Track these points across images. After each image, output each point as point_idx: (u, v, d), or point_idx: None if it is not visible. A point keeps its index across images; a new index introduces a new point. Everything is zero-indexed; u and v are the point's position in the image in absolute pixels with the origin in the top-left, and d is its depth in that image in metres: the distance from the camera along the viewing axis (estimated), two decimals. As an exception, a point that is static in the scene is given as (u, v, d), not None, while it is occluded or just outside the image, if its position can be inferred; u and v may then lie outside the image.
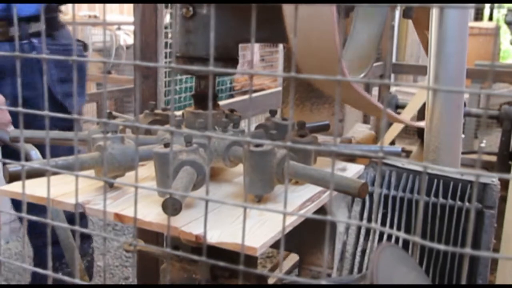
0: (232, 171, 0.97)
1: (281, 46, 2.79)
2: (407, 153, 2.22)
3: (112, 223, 2.60)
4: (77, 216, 0.53)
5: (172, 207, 0.67)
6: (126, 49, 4.68)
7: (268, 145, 0.80)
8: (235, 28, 0.96)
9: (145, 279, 1.63)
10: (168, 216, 0.69)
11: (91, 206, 0.80)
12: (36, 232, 1.58)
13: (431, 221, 1.12)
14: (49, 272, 0.54)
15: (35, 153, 1.19)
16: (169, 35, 1.78)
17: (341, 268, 1.12)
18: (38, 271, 0.53)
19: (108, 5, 5.38)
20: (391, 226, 1.13)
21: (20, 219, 1.68)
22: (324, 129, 1.14)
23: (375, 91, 3.83)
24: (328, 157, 1.04)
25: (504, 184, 1.26)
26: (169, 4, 1.66)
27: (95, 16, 4.68)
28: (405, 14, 1.17)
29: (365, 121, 3.36)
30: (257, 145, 0.80)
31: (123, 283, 2.35)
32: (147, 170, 0.96)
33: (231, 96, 3.56)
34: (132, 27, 2.65)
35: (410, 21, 1.50)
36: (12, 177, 0.78)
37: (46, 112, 0.50)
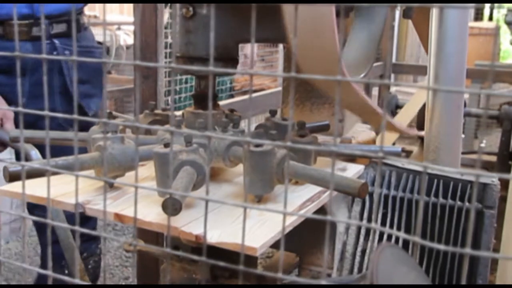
0: (232, 171, 0.97)
1: (281, 46, 2.79)
2: (407, 153, 2.22)
3: (112, 223, 2.60)
4: (77, 216, 0.53)
5: (172, 207, 0.67)
6: (126, 49, 4.68)
7: (268, 145, 0.80)
8: (235, 28, 0.95)
9: (145, 279, 1.63)
10: (168, 216, 0.69)
11: (91, 206, 0.80)
12: (45, 229, 1.58)
13: (431, 221, 1.12)
14: (49, 272, 0.54)
15: (35, 153, 1.19)
16: (169, 35, 1.78)
17: (341, 268, 1.12)
18: (48, 267, 0.53)
19: (108, 5, 5.38)
20: (391, 226, 1.13)
21: (35, 222, 1.69)
22: (324, 129, 1.14)
23: (375, 91, 3.83)
24: (328, 157, 1.04)
25: (504, 184, 1.26)
26: (169, 4, 1.66)
27: (95, 16, 4.68)
28: (405, 14, 1.17)
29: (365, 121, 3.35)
30: (257, 145, 0.80)
31: (123, 283, 2.35)
32: (147, 170, 0.96)
33: (231, 96, 3.56)
34: (132, 27, 2.65)
35: (410, 21, 1.49)
36: (12, 177, 0.78)
37: (46, 112, 0.50)
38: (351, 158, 1.10)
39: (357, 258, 1.12)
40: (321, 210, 0.90)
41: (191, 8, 0.93)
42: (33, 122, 1.16)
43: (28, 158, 1.19)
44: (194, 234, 0.72)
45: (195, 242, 0.73)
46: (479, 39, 5.05)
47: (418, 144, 2.18)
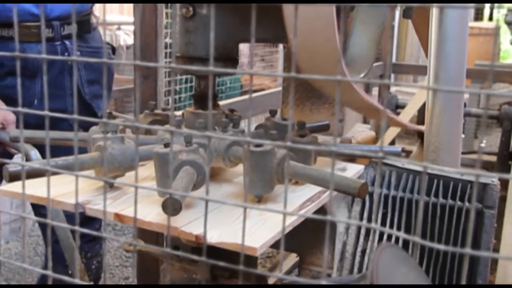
0: (232, 171, 0.97)
1: (281, 46, 2.79)
2: (407, 153, 2.22)
3: (112, 223, 2.60)
4: (77, 217, 0.53)
5: (172, 207, 0.67)
6: (126, 49, 4.68)
7: (268, 145, 0.80)
8: (235, 28, 0.95)
9: (145, 279, 1.63)
10: (168, 216, 0.69)
11: (91, 206, 0.80)
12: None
13: (431, 221, 1.12)
14: (49, 272, 0.54)
15: (34, 153, 1.19)
16: (168, 35, 1.78)
17: (341, 268, 1.12)
18: (48, 267, 0.53)
19: (108, 5, 5.38)
20: (391, 226, 1.13)
21: (39, 224, 1.69)
22: (324, 129, 1.14)
23: (375, 91, 3.83)
24: (328, 157, 1.04)
25: (504, 184, 1.26)
26: (168, 4, 1.66)
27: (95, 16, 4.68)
28: (405, 14, 1.17)
29: (365, 121, 3.36)
30: (257, 145, 0.80)
31: (123, 283, 2.35)
32: (147, 170, 0.96)
33: (242, 94, 3.54)
34: (132, 27, 2.65)
35: (410, 21, 1.49)
36: (12, 177, 0.78)
37: (46, 113, 0.50)
38: (351, 158, 1.10)
39: (357, 258, 1.12)
40: (321, 210, 0.90)
41: (191, 8, 0.93)
42: (42, 124, 1.16)
43: (27, 158, 1.19)
44: (194, 234, 0.72)
45: (195, 242, 0.73)
46: (479, 39, 5.05)
47: (418, 144, 2.18)
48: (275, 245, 0.72)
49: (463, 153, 1.49)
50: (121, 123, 0.96)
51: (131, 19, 3.54)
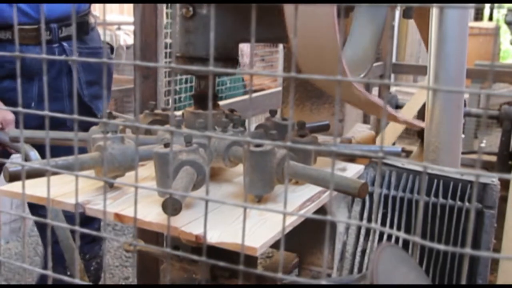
0: (232, 171, 0.97)
1: (281, 46, 2.79)
2: (407, 153, 2.22)
3: (112, 223, 2.60)
4: (77, 217, 0.53)
5: (172, 207, 0.67)
6: (126, 49, 4.68)
7: (268, 145, 0.80)
8: (235, 28, 0.95)
9: (145, 279, 1.63)
10: (168, 216, 0.69)
11: (91, 206, 0.80)
12: (46, 229, 1.59)
13: (431, 221, 1.12)
14: (49, 272, 0.54)
15: (34, 154, 1.18)
16: (169, 35, 1.78)
17: (341, 268, 1.12)
18: (48, 267, 0.54)
19: (108, 5, 5.38)
20: (391, 226, 1.13)
21: (37, 223, 1.68)
22: (324, 129, 1.14)
23: (375, 91, 3.83)
24: (328, 157, 1.04)
25: (504, 184, 1.26)
26: (169, 4, 1.66)
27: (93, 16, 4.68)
28: (405, 14, 1.17)
29: (365, 121, 3.36)
30: (257, 145, 0.80)
31: (123, 283, 2.35)
32: (147, 170, 0.96)
33: (245, 93, 3.54)
34: (132, 27, 2.65)
35: (410, 21, 1.49)
36: (12, 177, 0.78)
37: (46, 113, 0.50)
38: (351, 158, 1.10)
39: (357, 258, 1.12)
40: (321, 210, 0.90)
41: (191, 8, 0.93)
42: (40, 126, 1.16)
43: (27, 159, 1.19)
44: (194, 234, 0.72)
45: (195, 242, 0.73)
46: (479, 39, 5.04)
47: (418, 144, 2.19)
48: (275, 245, 0.72)
49: (463, 153, 1.49)
50: (121, 123, 0.96)
51: (131, 19, 3.55)
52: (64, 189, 0.85)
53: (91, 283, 1.60)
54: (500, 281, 1.22)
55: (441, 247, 0.37)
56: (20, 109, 0.52)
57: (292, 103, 1.31)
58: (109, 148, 0.83)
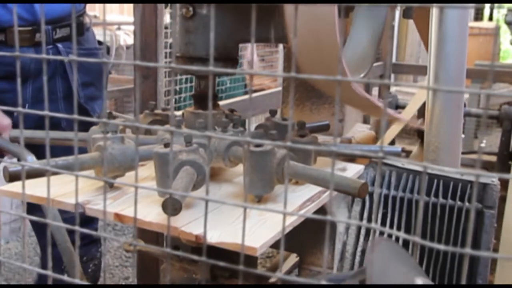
0: (232, 171, 0.97)
1: (281, 46, 2.79)
2: (407, 153, 2.22)
3: (112, 223, 2.60)
4: (77, 217, 0.53)
5: (172, 207, 0.67)
6: (126, 49, 4.68)
7: (268, 145, 0.80)
8: (235, 28, 0.95)
9: (145, 279, 1.63)
10: (168, 216, 0.69)
11: (91, 206, 0.80)
12: (43, 231, 1.58)
13: (431, 221, 1.12)
14: (49, 272, 0.54)
15: (31, 158, 1.18)
16: (169, 35, 1.78)
17: (341, 268, 1.12)
18: (48, 267, 0.54)
19: (108, 5, 5.38)
20: (391, 226, 1.13)
21: (34, 225, 1.68)
22: (324, 129, 1.14)
23: (375, 91, 3.83)
24: (328, 157, 1.04)
25: (504, 184, 1.26)
26: (169, 4, 1.66)
27: (95, 16, 4.67)
28: (405, 14, 1.17)
29: (365, 121, 3.36)
30: (257, 145, 0.80)
31: (123, 283, 2.35)
32: (147, 170, 0.96)
33: (246, 93, 3.54)
34: (132, 27, 2.65)
35: (410, 21, 1.49)
36: (12, 177, 0.78)
37: (46, 112, 0.50)
38: (351, 158, 1.10)
39: (357, 258, 1.12)
40: (321, 210, 0.90)
41: (191, 8, 0.93)
42: (35, 128, 1.16)
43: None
44: (194, 234, 0.72)
45: (195, 242, 0.73)
46: (479, 39, 5.04)
47: (418, 144, 2.19)
48: (275, 245, 0.72)
49: (463, 153, 1.49)
50: (121, 123, 0.96)
51: (131, 19, 3.54)
52: (64, 189, 0.85)
53: (90, 283, 1.59)
54: (497, 281, 1.22)
55: (441, 247, 0.37)
56: (20, 109, 0.52)
57: (292, 103, 1.31)
58: (109, 148, 0.83)
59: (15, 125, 1.25)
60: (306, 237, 1.09)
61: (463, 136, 1.31)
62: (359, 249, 1.12)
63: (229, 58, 0.98)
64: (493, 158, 2.55)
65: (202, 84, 1.01)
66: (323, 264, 1.09)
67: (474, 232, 1.10)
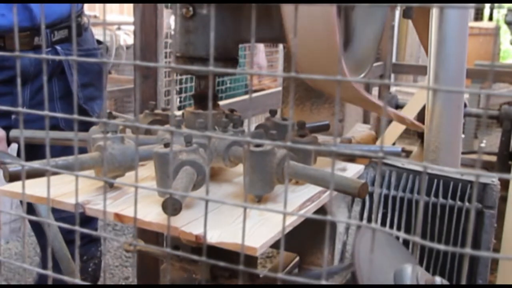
0: (232, 171, 0.97)
1: (281, 46, 2.79)
2: (407, 153, 2.22)
3: (112, 223, 2.60)
4: (77, 217, 0.53)
5: (172, 207, 0.67)
6: (126, 49, 4.68)
7: (268, 145, 0.80)
8: (235, 28, 0.95)
9: (145, 279, 1.63)
10: (168, 216, 0.69)
11: (91, 206, 0.80)
12: (43, 231, 1.58)
13: (431, 221, 1.12)
14: (49, 272, 0.54)
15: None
16: (169, 35, 1.78)
17: (341, 268, 1.12)
18: (48, 267, 0.53)
19: (108, 5, 5.38)
20: (391, 226, 1.13)
21: (33, 225, 1.67)
22: (324, 129, 1.14)
23: (375, 91, 3.83)
24: (328, 157, 1.04)
25: (504, 184, 1.26)
26: (169, 4, 1.66)
27: (95, 16, 4.68)
28: (405, 14, 1.17)
29: (365, 121, 3.36)
30: (257, 145, 0.80)
31: (123, 283, 2.35)
32: (147, 170, 0.96)
33: (247, 93, 3.55)
34: (132, 27, 2.65)
35: (410, 21, 1.49)
36: (12, 177, 0.77)
37: (46, 112, 0.50)
38: (351, 158, 1.10)
39: (357, 258, 1.12)
40: (321, 210, 0.90)
41: (191, 8, 0.93)
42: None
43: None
44: (194, 234, 0.72)
45: (195, 242, 0.73)
46: (479, 39, 5.05)
47: (418, 144, 2.19)
48: (275, 245, 0.72)
49: (463, 153, 1.49)
50: (121, 123, 0.96)
51: (131, 19, 3.54)
52: (64, 189, 0.85)
53: (91, 283, 1.59)
54: (499, 281, 1.22)
55: (441, 247, 0.37)
56: (20, 109, 0.52)
57: (292, 103, 1.31)
58: (109, 148, 0.83)
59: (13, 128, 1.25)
60: (306, 237, 1.09)
61: (463, 136, 1.31)
62: (359, 249, 1.12)
63: (229, 58, 0.98)
64: (493, 158, 2.55)
65: (202, 84, 1.01)
66: (323, 264, 1.09)
67: (474, 232, 1.10)
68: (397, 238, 1.09)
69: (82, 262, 1.57)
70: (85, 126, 0.86)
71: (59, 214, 1.04)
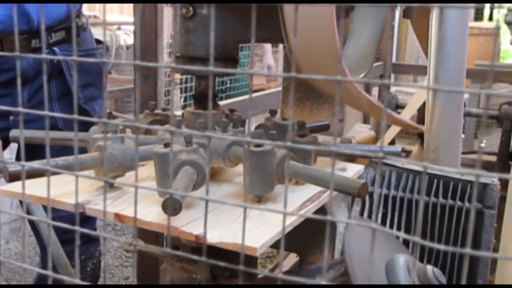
0: (232, 171, 0.97)
1: (281, 46, 2.79)
2: (407, 153, 2.22)
3: (112, 223, 2.60)
4: (77, 217, 0.53)
5: (172, 207, 0.67)
6: (126, 49, 4.68)
7: (268, 145, 0.80)
8: (235, 28, 0.96)
9: (145, 279, 1.63)
10: (168, 216, 0.69)
11: (91, 206, 0.80)
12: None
13: (431, 221, 1.12)
14: (49, 272, 0.54)
15: None
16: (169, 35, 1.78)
17: (341, 268, 1.12)
18: (48, 267, 0.53)
19: (108, 5, 5.38)
20: (391, 226, 1.13)
21: (32, 226, 1.67)
22: (324, 129, 1.14)
23: (375, 91, 3.83)
24: (328, 157, 1.04)
25: (504, 184, 1.26)
26: (167, 4, 1.66)
27: (95, 16, 4.68)
28: (405, 14, 1.17)
29: (365, 121, 3.36)
30: (257, 145, 0.80)
31: (123, 283, 2.35)
32: (147, 170, 0.96)
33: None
34: (132, 27, 2.65)
35: (410, 21, 1.49)
36: (12, 177, 0.77)
37: (46, 112, 0.50)
38: (351, 158, 1.10)
39: (357, 258, 1.12)
40: (321, 210, 0.90)
41: (191, 8, 0.93)
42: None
43: None
44: (194, 234, 0.72)
45: (195, 242, 0.73)
46: (479, 39, 5.05)
47: (418, 144, 2.19)
48: (275, 245, 0.72)
49: (463, 153, 1.49)
50: (121, 123, 0.96)
51: (131, 19, 3.55)
52: (64, 189, 0.85)
53: (90, 283, 1.59)
54: (497, 281, 1.22)
55: (441, 247, 0.37)
56: (20, 109, 0.52)
57: (292, 103, 1.31)
58: (109, 148, 0.83)
59: (6, 146, 1.25)
60: (306, 237, 1.09)
61: (463, 136, 1.31)
62: (359, 249, 1.12)
63: (229, 58, 0.98)
64: (493, 158, 2.55)
65: (202, 84, 1.01)
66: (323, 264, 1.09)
67: (474, 232, 1.10)
68: (397, 238, 1.09)
69: (81, 262, 1.57)
70: (85, 126, 0.86)
71: (58, 213, 1.04)
